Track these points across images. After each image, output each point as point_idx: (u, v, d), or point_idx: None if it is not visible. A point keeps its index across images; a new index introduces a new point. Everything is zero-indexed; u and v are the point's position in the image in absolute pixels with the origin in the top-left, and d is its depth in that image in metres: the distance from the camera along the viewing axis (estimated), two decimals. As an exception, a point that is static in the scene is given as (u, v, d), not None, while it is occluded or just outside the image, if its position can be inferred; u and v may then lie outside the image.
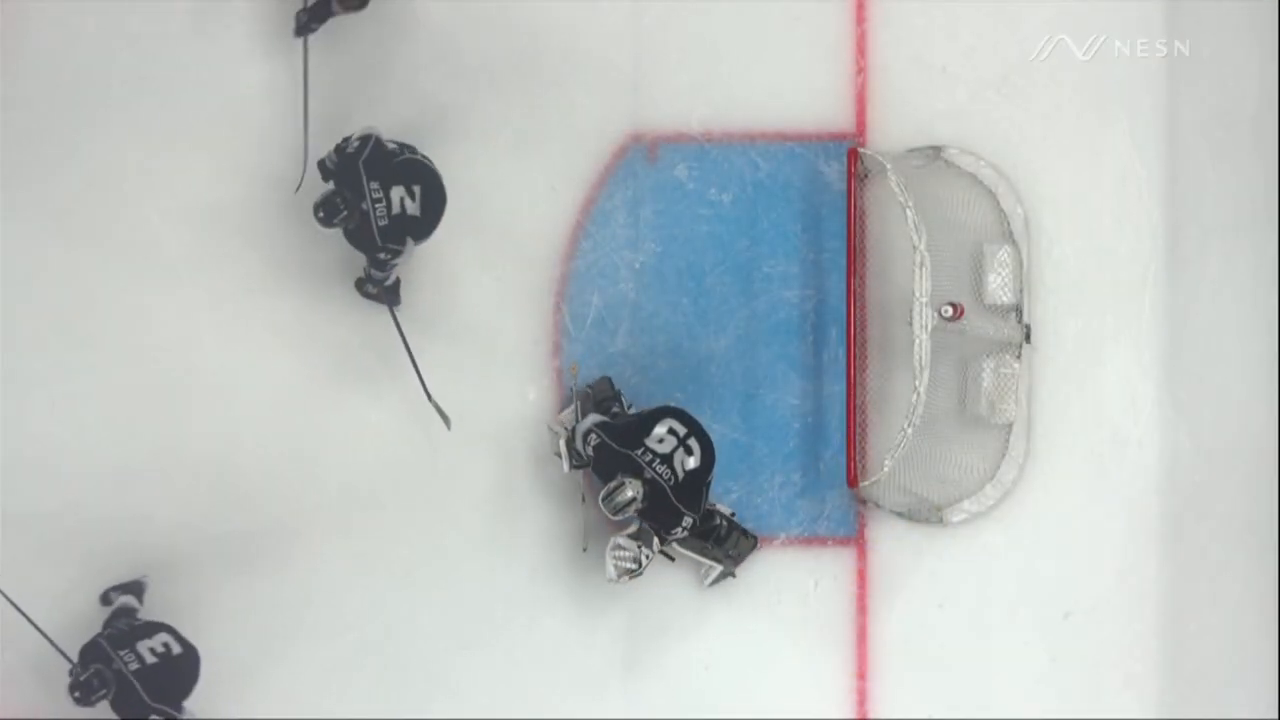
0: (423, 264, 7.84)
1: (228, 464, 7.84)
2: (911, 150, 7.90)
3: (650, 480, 7.19)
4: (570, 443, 7.51)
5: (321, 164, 7.45)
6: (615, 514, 7.18)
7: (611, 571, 7.50)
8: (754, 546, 7.85)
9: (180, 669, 7.24)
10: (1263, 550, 7.83)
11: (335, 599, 7.84)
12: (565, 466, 7.58)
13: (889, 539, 7.95)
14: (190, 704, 7.30)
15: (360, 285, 7.76)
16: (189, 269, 7.83)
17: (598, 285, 7.96)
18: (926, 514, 7.89)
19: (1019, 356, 7.86)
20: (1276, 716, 7.76)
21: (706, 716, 7.85)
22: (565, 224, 7.95)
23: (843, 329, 7.85)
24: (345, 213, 7.26)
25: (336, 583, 7.85)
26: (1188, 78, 7.89)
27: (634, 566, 7.47)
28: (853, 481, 7.76)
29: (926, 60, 7.97)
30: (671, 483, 7.20)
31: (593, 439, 7.29)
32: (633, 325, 7.95)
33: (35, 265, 7.80)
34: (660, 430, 7.28)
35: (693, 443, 7.29)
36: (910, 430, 7.47)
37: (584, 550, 7.76)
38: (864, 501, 7.91)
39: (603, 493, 7.20)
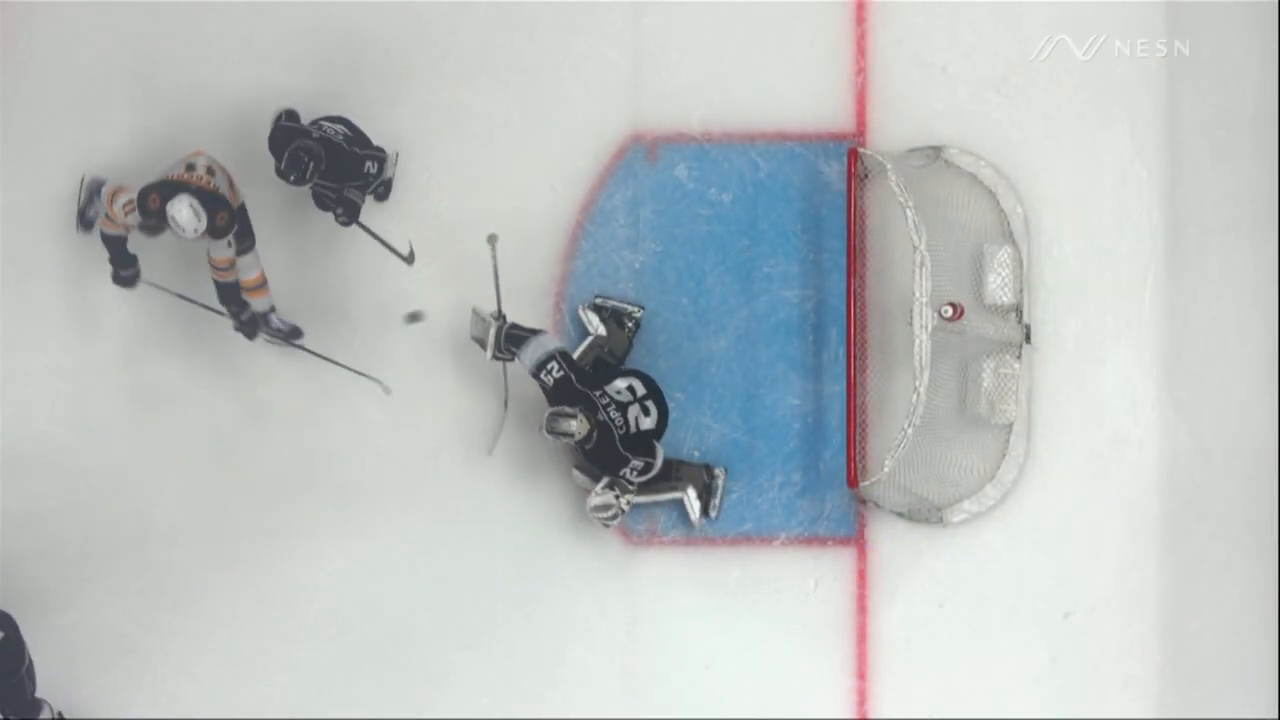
0: (422, 264, 7.85)
1: (228, 464, 7.84)
2: (911, 150, 7.90)
3: (602, 422, 7.26)
4: (500, 333, 7.47)
5: (271, 143, 7.49)
6: (551, 435, 7.22)
7: (604, 524, 7.53)
8: (711, 474, 7.84)
9: (11, 646, 7.19)
10: (1263, 550, 7.83)
11: (335, 599, 7.85)
12: (488, 355, 7.53)
13: (889, 539, 7.95)
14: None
15: (320, 199, 7.73)
16: (189, 268, 7.83)
17: (598, 285, 7.96)
18: (926, 514, 7.90)
19: (1019, 356, 7.86)
20: (1276, 716, 7.76)
21: (706, 716, 7.85)
22: (565, 224, 7.95)
23: (843, 329, 7.85)
24: (310, 162, 7.29)
25: (336, 583, 7.85)
26: (1188, 78, 7.89)
27: (611, 514, 7.46)
28: (853, 481, 7.76)
29: (926, 60, 7.97)
30: (623, 431, 7.29)
31: (554, 370, 7.31)
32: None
33: (35, 265, 7.81)
34: (621, 384, 7.39)
35: (650, 405, 7.40)
36: (910, 430, 7.47)
37: (489, 453, 7.74)
38: (864, 501, 7.91)
39: (551, 410, 7.23)
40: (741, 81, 7.95)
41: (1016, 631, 7.89)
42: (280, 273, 7.78)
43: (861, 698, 7.90)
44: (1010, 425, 7.88)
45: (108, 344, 7.82)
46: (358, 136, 7.56)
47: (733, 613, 7.91)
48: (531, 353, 7.37)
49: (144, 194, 7.28)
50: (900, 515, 7.91)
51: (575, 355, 7.56)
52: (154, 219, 7.27)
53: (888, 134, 7.95)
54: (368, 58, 7.89)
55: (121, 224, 7.39)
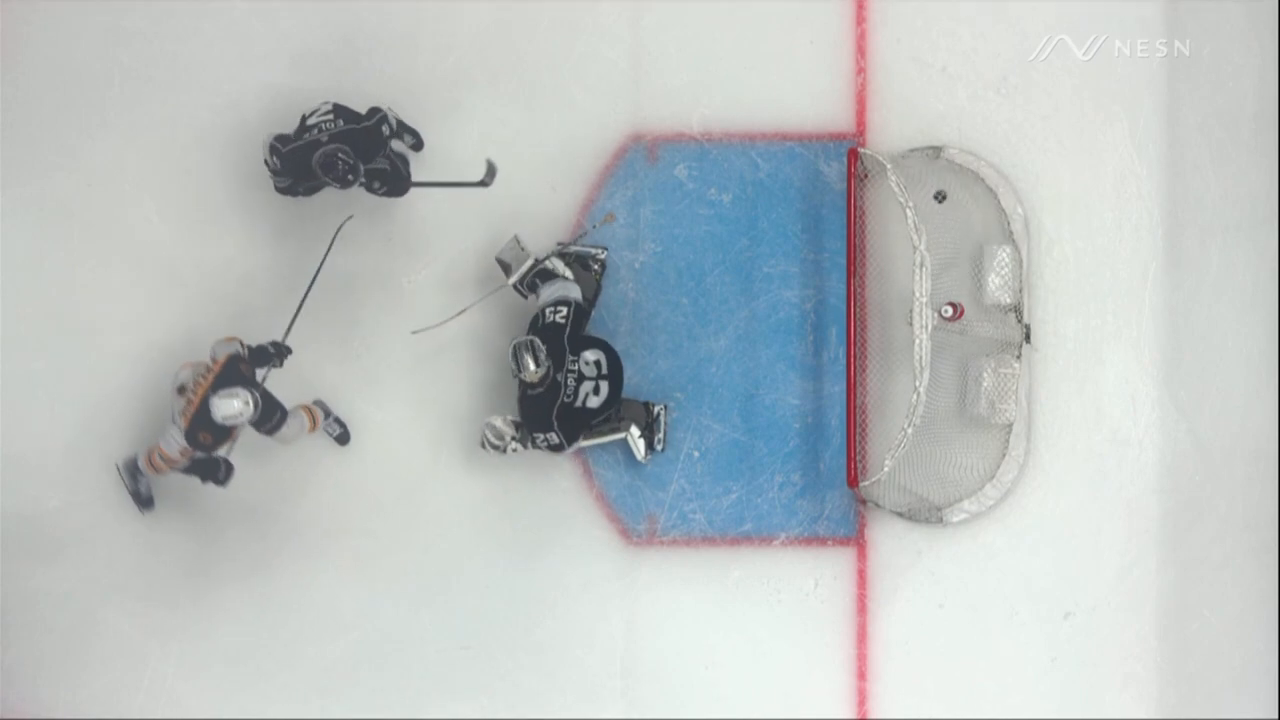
0: (422, 265, 7.85)
1: (228, 464, 7.86)
2: (911, 150, 7.91)
3: (556, 382, 7.41)
4: (532, 269, 7.62)
5: (271, 166, 7.46)
6: (511, 359, 7.34)
7: (482, 442, 7.61)
8: (651, 411, 7.84)
9: None
10: (1263, 550, 7.84)
11: (335, 599, 7.85)
12: (510, 280, 7.65)
13: (889, 539, 7.95)
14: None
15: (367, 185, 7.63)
16: (189, 269, 7.84)
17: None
18: (926, 514, 7.90)
19: (1019, 356, 7.86)
20: (1276, 716, 7.76)
21: (706, 716, 7.85)
22: (565, 224, 7.96)
23: (843, 329, 7.85)
24: (341, 158, 7.24)
25: (336, 583, 7.85)
26: (1188, 78, 7.89)
27: (498, 445, 7.56)
28: (853, 481, 7.76)
29: (926, 60, 7.97)
30: (568, 400, 7.42)
31: (562, 315, 7.46)
32: (633, 325, 7.95)
33: (35, 265, 7.81)
34: (591, 356, 7.49)
35: (604, 386, 7.49)
36: (910, 430, 7.47)
37: (412, 333, 7.72)
38: (864, 501, 7.91)
39: (521, 340, 7.34)
40: (741, 81, 7.96)
41: (1016, 631, 7.89)
42: (280, 275, 7.79)
43: (861, 698, 7.90)
44: (1010, 425, 7.88)
45: (108, 343, 7.82)
46: (346, 111, 7.49)
47: (733, 613, 7.91)
48: (556, 289, 7.55)
49: (191, 439, 7.20)
50: (900, 515, 7.91)
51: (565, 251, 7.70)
52: (216, 446, 7.25)
53: (888, 134, 7.95)
54: (368, 58, 7.90)
55: (181, 460, 7.36)
